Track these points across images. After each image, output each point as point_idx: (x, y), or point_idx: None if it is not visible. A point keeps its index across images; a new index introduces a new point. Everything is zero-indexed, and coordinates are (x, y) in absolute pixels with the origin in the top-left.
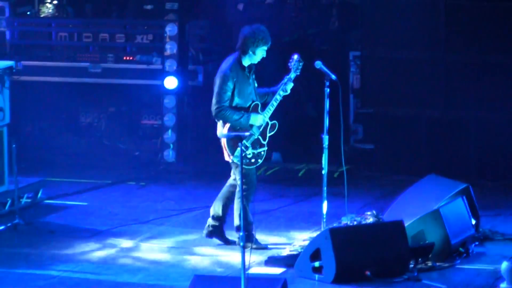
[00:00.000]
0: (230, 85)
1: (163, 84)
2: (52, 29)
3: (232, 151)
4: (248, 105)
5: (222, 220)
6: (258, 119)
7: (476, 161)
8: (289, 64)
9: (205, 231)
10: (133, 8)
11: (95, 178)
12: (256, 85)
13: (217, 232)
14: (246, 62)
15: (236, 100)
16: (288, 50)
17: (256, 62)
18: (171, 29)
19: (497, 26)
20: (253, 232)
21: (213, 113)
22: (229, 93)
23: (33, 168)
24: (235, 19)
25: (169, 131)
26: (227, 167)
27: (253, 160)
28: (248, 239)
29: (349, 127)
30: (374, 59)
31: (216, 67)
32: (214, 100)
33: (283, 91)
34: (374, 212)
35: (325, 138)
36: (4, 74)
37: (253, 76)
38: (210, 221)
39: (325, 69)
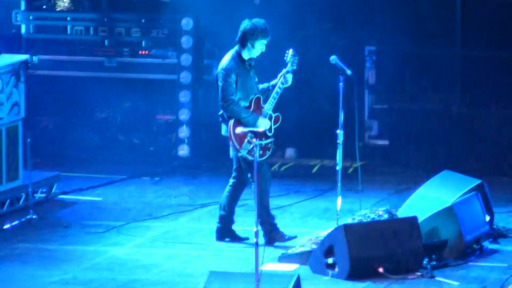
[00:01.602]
0: (234, 77)
1: (178, 78)
2: (68, 23)
3: (240, 144)
4: (250, 98)
5: (230, 221)
6: (265, 123)
7: (491, 157)
8: (285, 58)
9: (216, 234)
10: (148, 1)
11: (110, 173)
12: (256, 79)
13: (228, 233)
14: (245, 55)
15: (238, 94)
16: (303, 45)
17: (255, 56)
18: (186, 23)
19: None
20: (276, 226)
21: (222, 108)
22: (234, 86)
23: (48, 162)
24: (251, 14)
25: (184, 126)
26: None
27: (261, 152)
28: (272, 236)
29: (364, 122)
30: (390, 55)
31: None
32: (220, 95)
33: (282, 83)
34: (388, 208)
35: (340, 134)
36: (19, 68)
37: (253, 70)
38: (219, 224)
39: (340, 64)
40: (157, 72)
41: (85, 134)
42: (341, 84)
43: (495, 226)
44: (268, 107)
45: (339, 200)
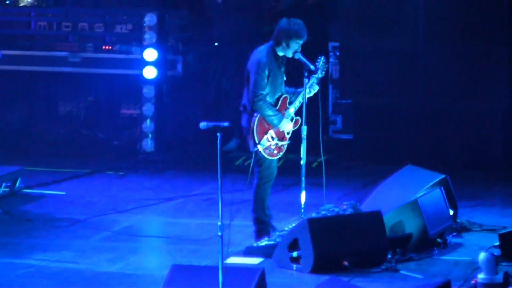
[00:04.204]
0: (266, 72)
1: (142, 73)
2: (31, 18)
3: (260, 138)
4: (277, 96)
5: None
6: (287, 126)
7: (455, 152)
8: (316, 64)
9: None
10: None
11: (74, 167)
12: (284, 78)
13: (266, 232)
14: (280, 53)
15: (267, 89)
16: (266, 40)
17: (289, 55)
18: (150, 19)
19: (476, 16)
20: (271, 223)
21: (250, 102)
22: (265, 81)
23: (12, 157)
24: (214, 9)
25: (148, 120)
26: (206, 156)
27: (275, 152)
28: (263, 233)
29: (328, 117)
30: (353, 50)
31: (195, 57)
32: (252, 88)
33: (309, 92)
34: (353, 202)
35: (304, 129)
36: None
37: (284, 68)
38: (254, 227)
39: (304, 59)
40: (121, 67)
41: (49, 129)
42: (305, 79)
43: (459, 220)
44: (292, 109)
45: (303, 194)
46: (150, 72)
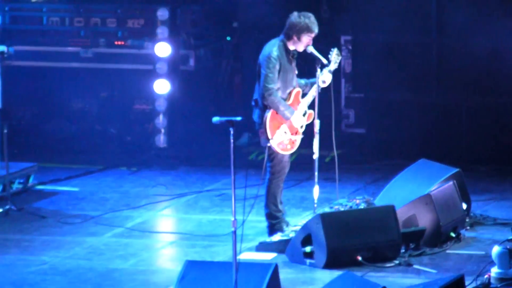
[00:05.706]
0: (277, 66)
1: (154, 68)
2: (44, 14)
3: (273, 133)
4: (289, 91)
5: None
6: (299, 120)
7: (467, 146)
8: (329, 56)
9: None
10: None
11: (87, 163)
12: (296, 72)
13: (279, 228)
14: (291, 47)
15: (278, 84)
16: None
17: (300, 49)
18: (162, 14)
19: (489, 11)
20: (284, 219)
21: (261, 96)
22: (276, 75)
23: (25, 153)
24: (230, 2)
25: (161, 116)
26: (218, 151)
27: (288, 146)
28: (276, 228)
29: (340, 111)
30: (366, 44)
31: (207, 52)
32: (263, 83)
33: (323, 82)
34: (366, 196)
35: (317, 123)
36: None
37: (295, 62)
38: (267, 222)
39: (316, 53)
40: (133, 62)
41: (62, 125)
42: (317, 73)
43: (472, 214)
44: (304, 103)
45: (316, 189)
46: (162, 67)
